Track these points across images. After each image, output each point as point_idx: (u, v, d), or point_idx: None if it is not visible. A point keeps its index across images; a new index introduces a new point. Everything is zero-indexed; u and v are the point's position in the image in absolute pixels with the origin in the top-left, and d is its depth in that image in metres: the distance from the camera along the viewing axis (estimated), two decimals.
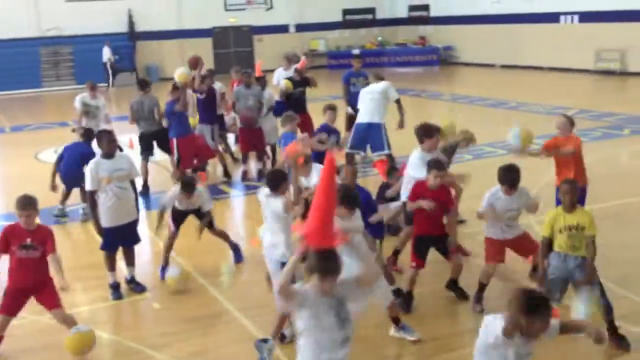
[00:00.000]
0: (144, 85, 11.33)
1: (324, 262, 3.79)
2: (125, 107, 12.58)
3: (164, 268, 7.47)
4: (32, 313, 6.72)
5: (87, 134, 9.73)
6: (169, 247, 7.57)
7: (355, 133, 10.38)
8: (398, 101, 10.75)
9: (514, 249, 6.36)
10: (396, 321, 5.86)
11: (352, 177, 6.70)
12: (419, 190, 6.33)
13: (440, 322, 6.26)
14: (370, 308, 5.48)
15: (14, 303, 5.91)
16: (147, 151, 11.14)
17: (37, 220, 5.88)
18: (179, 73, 10.76)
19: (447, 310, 6.49)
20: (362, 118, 10.56)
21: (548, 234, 5.68)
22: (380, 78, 11.02)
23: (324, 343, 3.85)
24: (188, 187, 7.36)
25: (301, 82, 12.10)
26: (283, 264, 5.27)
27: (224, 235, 7.90)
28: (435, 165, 6.30)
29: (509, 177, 6.04)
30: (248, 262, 7.78)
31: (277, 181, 5.78)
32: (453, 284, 6.57)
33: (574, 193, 5.62)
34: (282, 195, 5.76)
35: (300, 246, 3.94)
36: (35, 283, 5.86)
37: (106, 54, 27.49)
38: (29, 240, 5.75)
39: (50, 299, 5.89)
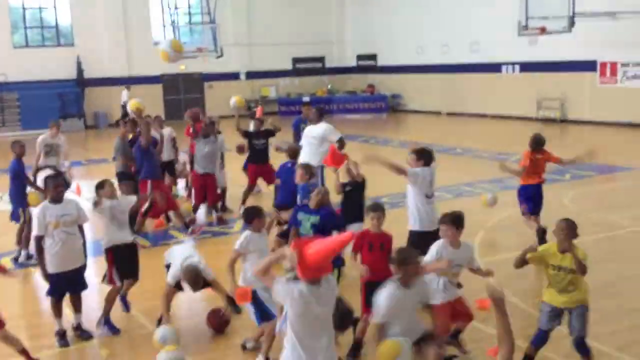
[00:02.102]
0: (134, 126, 11.38)
1: None
2: (76, 153, 12.56)
3: (107, 321, 7.28)
4: None
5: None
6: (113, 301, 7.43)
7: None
8: (340, 140, 10.88)
9: (450, 313, 6.04)
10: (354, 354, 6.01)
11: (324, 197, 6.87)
12: (364, 239, 6.33)
13: None
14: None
15: None
16: None
17: None
18: (133, 102, 10.75)
19: None
20: (302, 159, 10.89)
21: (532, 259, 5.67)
22: (319, 116, 11.20)
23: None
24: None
25: (263, 133, 12.23)
26: None
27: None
28: (372, 208, 6.41)
29: (454, 217, 5.95)
30: (202, 308, 7.70)
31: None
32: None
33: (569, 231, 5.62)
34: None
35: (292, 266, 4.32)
36: None
37: (124, 97, 27.40)
38: None
39: None
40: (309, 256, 4.23)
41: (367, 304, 6.22)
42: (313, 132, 11.08)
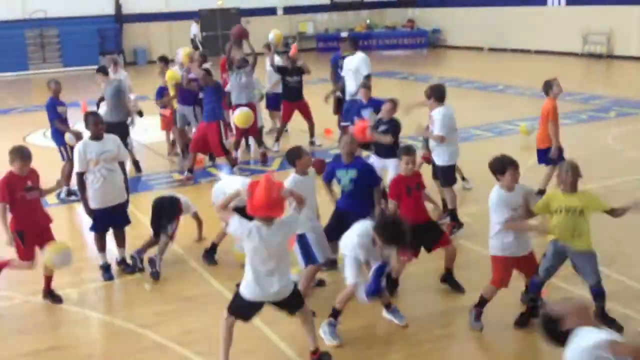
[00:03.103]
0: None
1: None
2: None
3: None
4: (22, 294, 6.78)
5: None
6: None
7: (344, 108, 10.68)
8: (367, 77, 10.79)
9: (519, 268, 5.75)
10: (387, 305, 5.94)
11: (352, 145, 6.66)
12: (400, 184, 6.29)
13: (420, 301, 6.33)
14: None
15: (32, 247, 6.39)
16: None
17: None
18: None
19: (427, 290, 6.54)
20: (347, 94, 11.09)
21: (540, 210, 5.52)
22: (354, 46, 11.14)
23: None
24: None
25: (296, 70, 12.05)
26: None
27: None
28: (405, 151, 6.32)
29: (514, 160, 5.56)
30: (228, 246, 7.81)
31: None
32: (448, 276, 6.44)
33: (575, 173, 5.42)
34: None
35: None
36: (44, 221, 6.46)
37: (193, 30, 27.69)
38: (29, 182, 6.29)
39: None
40: (256, 196, 4.75)
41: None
42: (350, 64, 11.03)
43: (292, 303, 5.11)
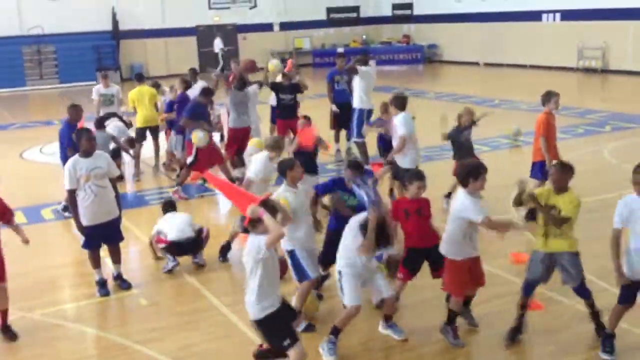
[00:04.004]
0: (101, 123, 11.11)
1: None
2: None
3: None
4: (18, 309, 6.75)
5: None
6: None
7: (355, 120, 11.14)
8: None
9: (471, 273, 5.68)
10: (387, 318, 5.91)
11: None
12: (399, 207, 6.25)
13: (418, 315, 6.31)
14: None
15: None
16: None
17: None
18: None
19: (425, 304, 6.51)
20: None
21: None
22: (365, 61, 11.37)
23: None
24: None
25: (291, 87, 11.74)
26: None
27: None
28: (418, 177, 6.21)
29: (482, 165, 5.62)
30: (235, 259, 7.81)
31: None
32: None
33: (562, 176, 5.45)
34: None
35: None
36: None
37: (218, 45, 28.31)
38: None
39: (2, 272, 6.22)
40: None
41: (405, 267, 6.20)
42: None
43: (265, 338, 5.13)
